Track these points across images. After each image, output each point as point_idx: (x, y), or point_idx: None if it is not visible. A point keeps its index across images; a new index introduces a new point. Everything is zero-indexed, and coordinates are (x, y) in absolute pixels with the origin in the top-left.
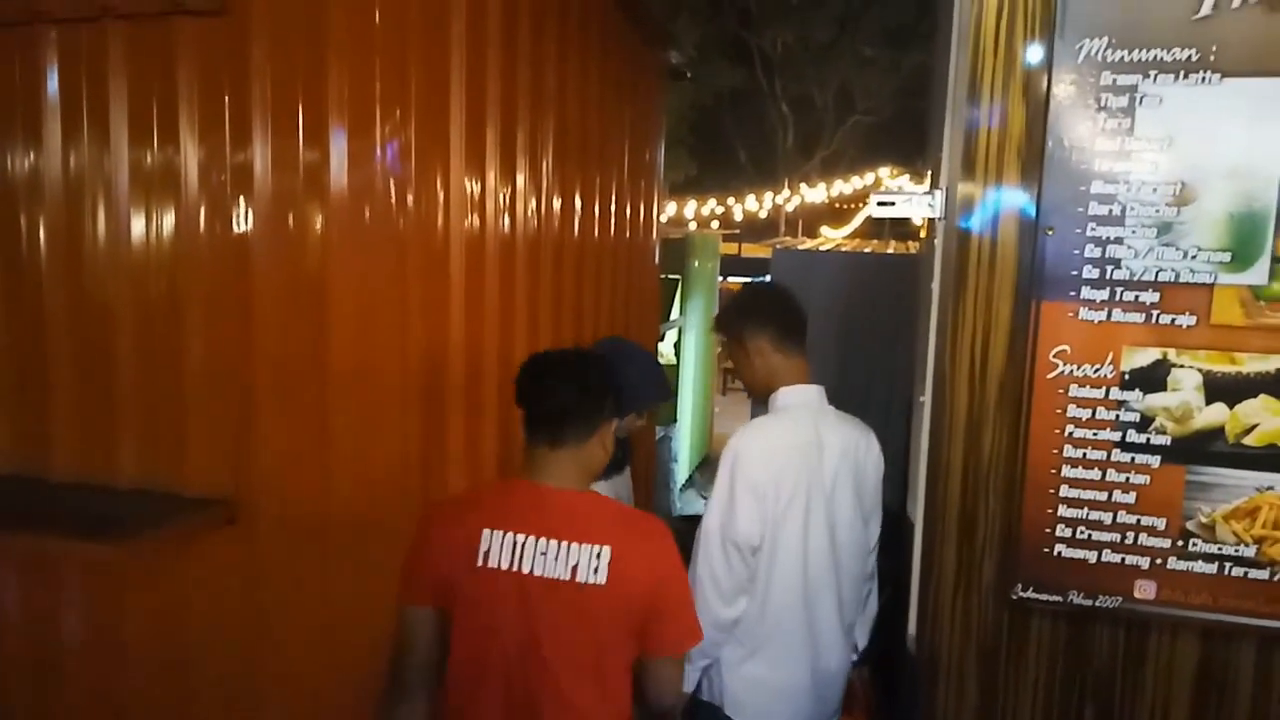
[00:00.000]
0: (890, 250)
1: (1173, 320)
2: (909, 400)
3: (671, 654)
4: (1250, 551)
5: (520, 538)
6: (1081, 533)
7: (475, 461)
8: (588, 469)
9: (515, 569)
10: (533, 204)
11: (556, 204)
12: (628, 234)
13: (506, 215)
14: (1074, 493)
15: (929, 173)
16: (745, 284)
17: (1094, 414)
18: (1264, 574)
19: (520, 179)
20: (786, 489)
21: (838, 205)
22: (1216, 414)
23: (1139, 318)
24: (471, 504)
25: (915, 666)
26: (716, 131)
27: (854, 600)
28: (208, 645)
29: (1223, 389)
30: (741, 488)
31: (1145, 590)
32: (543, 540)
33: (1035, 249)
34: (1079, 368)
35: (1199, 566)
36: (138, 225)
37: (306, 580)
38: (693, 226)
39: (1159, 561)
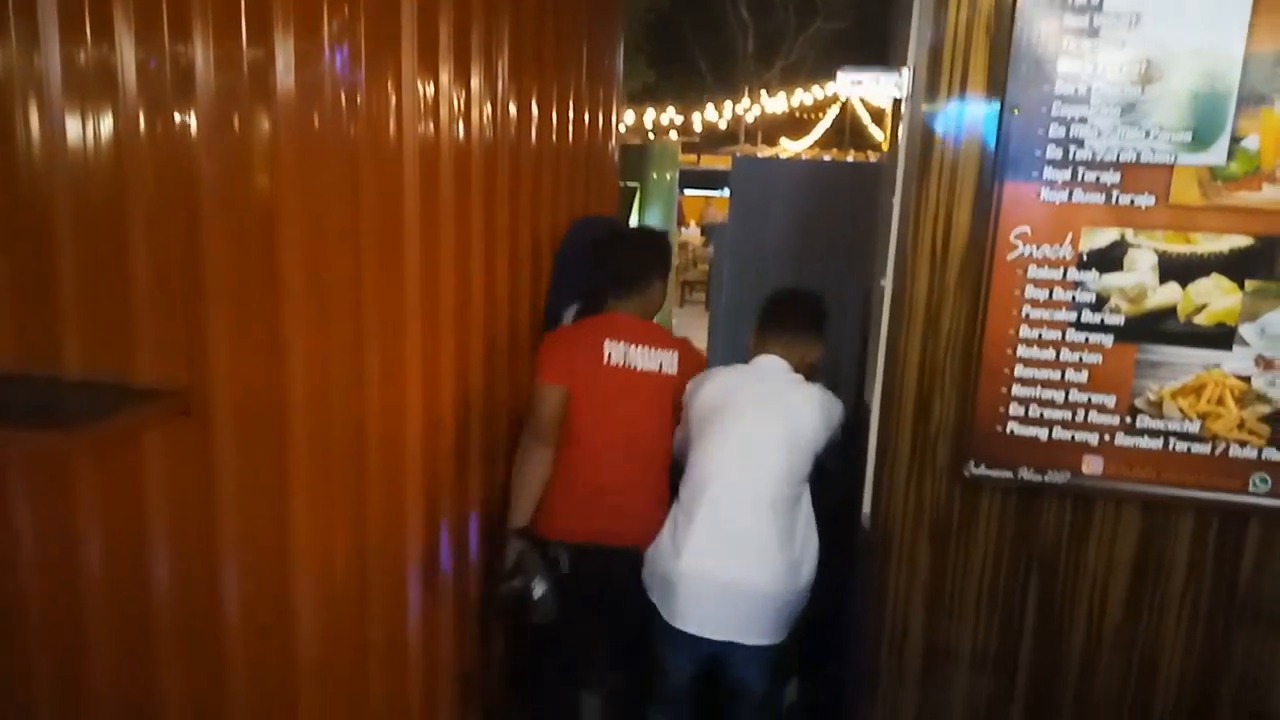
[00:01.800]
0: (850, 159)
1: (1132, 201)
2: (867, 300)
3: None
4: (1194, 427)
5: (627, 345)
6: (1034, 411)
7: (432, 357)
8: (647, 310)
9: (626, 365)
10: (488, 110)
11: (513, 110)
12: (586, 141)
13: (461, 121)
14: (1028, 372)
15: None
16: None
17: (1051, 294)
18: (1205, 448)
19: (475, 83)
20: (709, 408)
21: (798, 115)
22: (1169, 294)
23: (1099, 198)
24: (591, 326)
25: (868, 546)
26: (675, 38)
27: (771, 521)
28: (164, 541)
29: (1177, 269)
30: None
31: (1093, 465)
32: (639, 346)
33: (1000, 129)
34: (1039, 248)
35: (1145, 442)
36: (73, 127)
37: (264, 472)
38: (651, 136)
39: (1107, 438)
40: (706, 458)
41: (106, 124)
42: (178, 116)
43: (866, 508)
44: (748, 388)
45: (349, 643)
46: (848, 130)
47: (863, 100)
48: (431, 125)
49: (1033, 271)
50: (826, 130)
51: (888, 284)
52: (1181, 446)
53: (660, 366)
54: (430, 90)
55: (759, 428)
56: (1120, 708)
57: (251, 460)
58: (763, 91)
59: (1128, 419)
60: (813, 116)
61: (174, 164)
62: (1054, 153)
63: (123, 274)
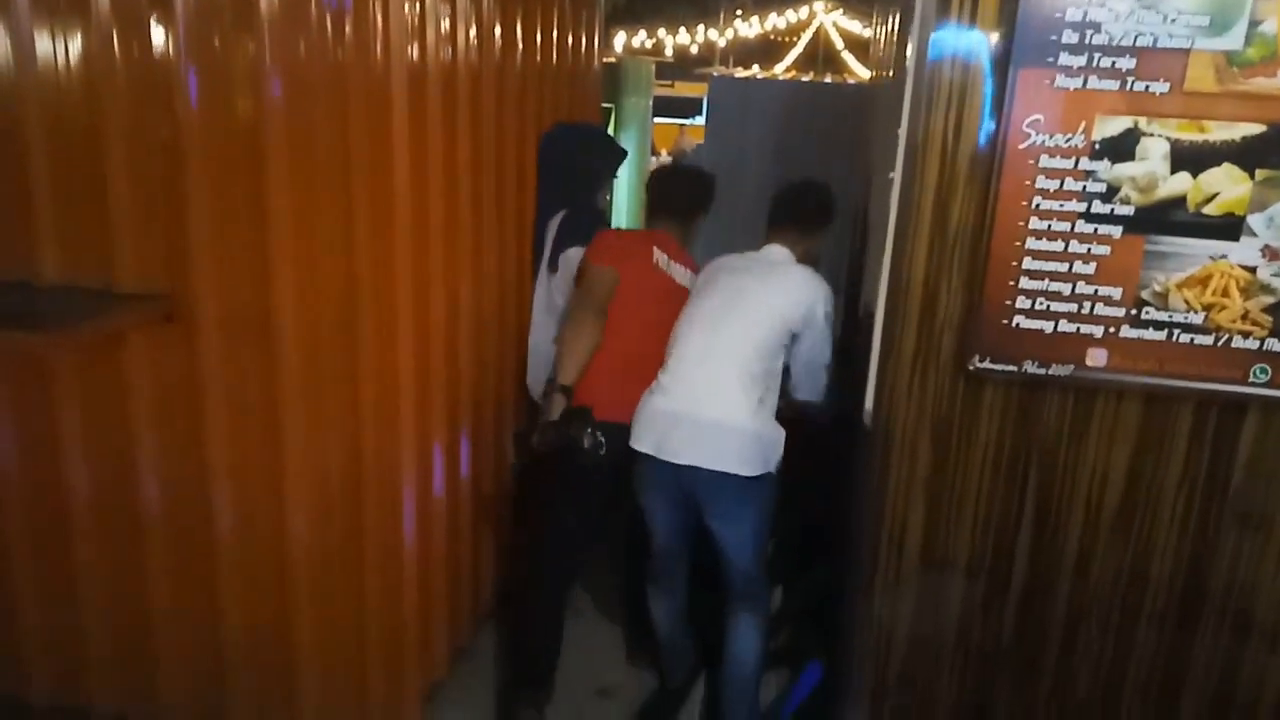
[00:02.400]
0: (829, 81)
1: (1146, 87)
2: (858, 218)
3: None
4: (1198, 319)
5: (669, 259)
6: (1040, 304)
7: (422, 266)
8: (687, 234)
9: (668, 272)
10: (473, 31)
11: (498, 31)
12: (570, 62)
13: (448, 44)
14: (1036, 264)
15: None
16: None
17: (1062, 184)
18: (1208, 339)
19: (460, 3)
20: (704, 280)
21: (773, 38)
22: (1180, 183)
23: (1114, 85)
24: (644, 233)
25: (869, 440)
26: None
27: (736, 381)
28: (150, 448)
29: (1188, 158)
30: None
31: (1097, 358)
32: (676, 264)
33: (1016, 11)
34: (1051, 137)
35: (1149, 334)
36: (44, 43)
37: (252, 378)
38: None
39: (1112, 330)
40: (686, 316)
41: (77, 42)
42: (156, 36)
43: (868, 404)
44: (741, 266)
45: (343, 550)
46: (820, 57)
47: (836, 26)
48: (418, 47)
49: (1044, 161)
50: (799, 57)
51: (896, 175)
52: (1185, 338)
53: (681, 276)
54: (416, 13)
55: (738, 296)
56: (1112, 601)
57: (239, 365)
58: (737, 14)
59: (1133, 311)
60: (787, 41)
61: (150, 82)
62: (1070, 37)
63: (99, 183)
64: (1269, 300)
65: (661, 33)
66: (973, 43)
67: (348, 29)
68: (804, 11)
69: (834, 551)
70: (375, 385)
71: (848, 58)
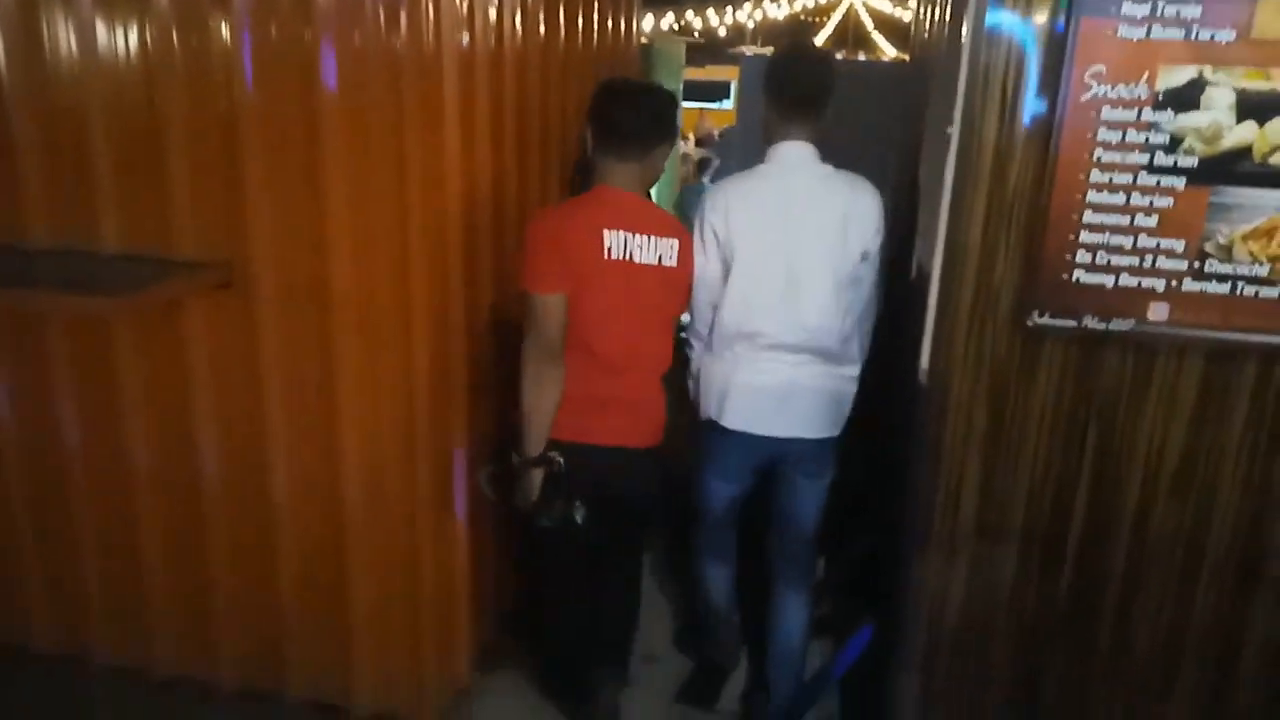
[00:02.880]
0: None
1: (1212, 36)
2: (909, 187)
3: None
4: (1264, 270)
5: (627, 235)
6: (1101, 258)
7: (472, 248)
8: (645, 181)
9: (627, 258)
10: (519, 18)
11: (541, 18)
12: (610, 45)
13: (494, 31)
14: (1097, 218)
15: None
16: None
17: (1124, 137)
18: (1274, 292)
19: None
20: (743, 233)
21: (802, 18)
22: (1246, 133)
23: (1179, 34)
24: (582, 211)
25: (925, 399)
26: None
27: (827, 328)
28: (209, 413)
29: (1255, 107)
30: (706, 239)
31: (1158, 312)
32: (639, 235)
33: None
34: (1113, 88)
35: (1212, 287)
36: (106, 31)
37: (307, 345)
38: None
39: (1174, 284)
40: (750, 275)
41: (140, 29)
42: (216, 24)
43: (924, 361)
44: (789, 199)
45: (397, 514)
46: (850, 38)
47: (866, 5)
48: (467, 34)
49: (1106, 113)
50: (830, 37)
51: (955, 130)
52: (1249, 291)
53: (660, 259)
54: (465, 3)
55: (806, 231)
56: (1172, 560)
57: (296, 333)
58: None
59: (1196, 264)
60: (816, 21)
61: (207, 66)
62: None
63: (159, 157)
64: None
65: (690, 15)
66: None
67: (402, 18)
68: None
69: (879, 520)
70: (429, 344)
71: (878, 38)
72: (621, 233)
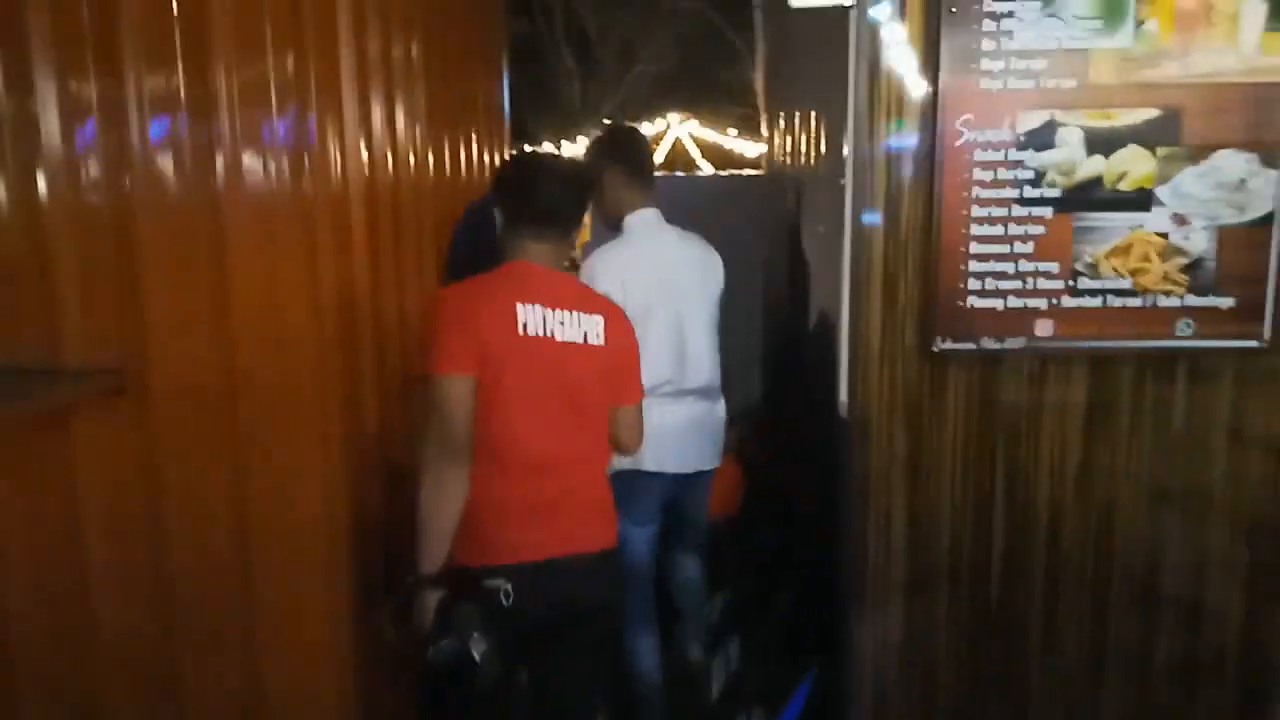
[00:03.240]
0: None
1: (1058, 84)
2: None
3: (635, 402)
4: (1126, 283)
5: (545, 310)
6: (989, 283)
7: (391, 324)
8: (562, 257)
9: (548, 334)
10: (411, 154)
11: (411, 159)
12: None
13: (379, 163)
14: (981, 248)
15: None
16: (604, 129)
17: (995, 174)
18: (1138, 301)
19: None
20: (637, 296)
21: None
22: (1095, 165)
23: (1030, 84)
24: (493, 284)
25: (846, 429)
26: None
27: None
28: (106, 537)
29: (1100, 142)
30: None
31: (1044, 328)
32: (560, 311)
33: (939, 29)
34: (982, 133)
35: (1087, 301)
36: None
37: (214, 454)
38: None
39: (1054, 301)
40: (653, 316)
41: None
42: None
43: (843, 395)
44: (664, 257)
45: (310, 636)
46: (679, 163)
47: (692, 135)
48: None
49: (978, 155)
50: (661, 163)
51: (848, 183)
52: (1117, 302)
53: (585, 336)
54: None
55: (688, 277)
56: (1085, 548)
57: (198, 438)
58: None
59: (1070, 282)
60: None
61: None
62: (988, 45)
63: (47, 269)
64: (1183, 261)
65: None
66: (905, 56)
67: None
68: (660, 123)
69: (797, 574)
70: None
71: (703, 164)
72: (538, 307)
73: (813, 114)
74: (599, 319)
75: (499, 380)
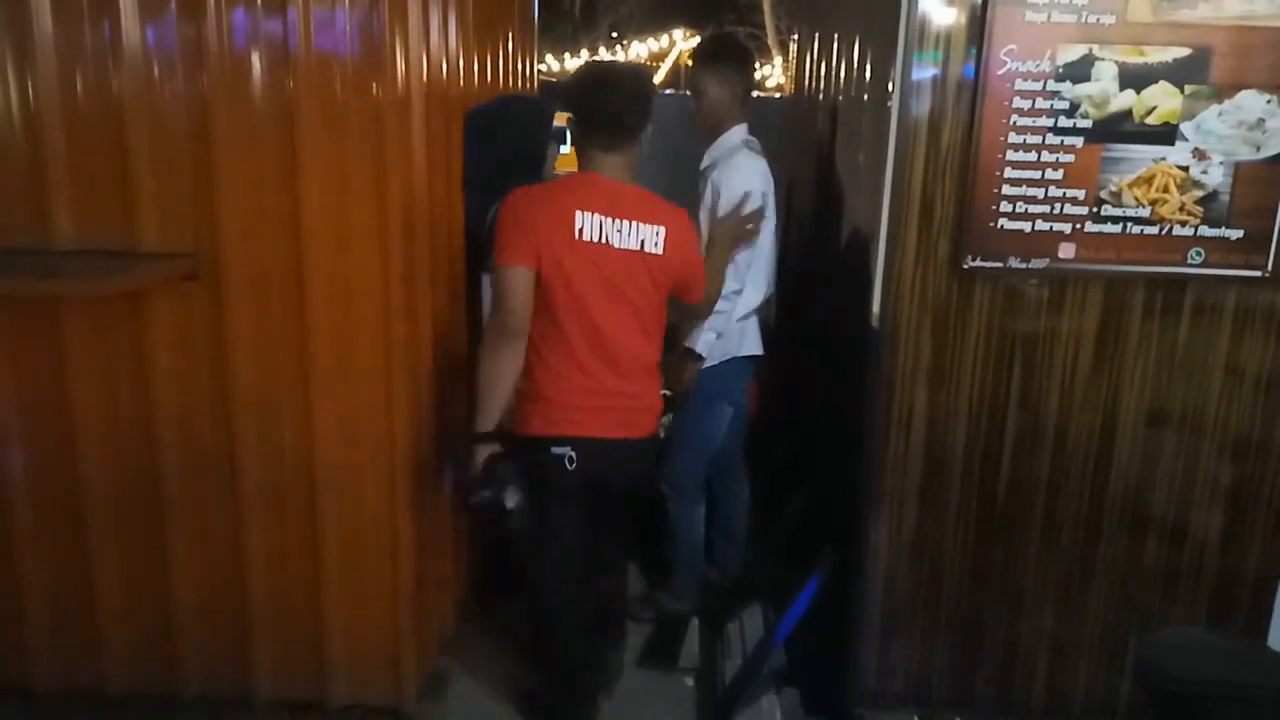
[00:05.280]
0: None
1: (1098, 19)
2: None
3: (701, 300)
4: (1145, 212)
5: (603, 218)
6: (1020, 207)
7: (445, 226)
8: (631, 168)
9: (604, 241)
10: (460, 62)
11: (460, 64)
12: (517, 83)
13: (440, 68)
14: (1015, 174)
15: None
16: (722, 34)
17: (1033, 104)
18: (1154, 230)
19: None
20: (769, 205)
21: (647, 61)
22: (1126, 99)
23: (1072, 18)
24: (560, 191)
25: (877, 339)
26: None
27: None
28: (174, 409)
29: (1133, 77)
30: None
31: (1066, 251)
32: (619, 220)
33: None
34: (1023, 64)
35: (1108, 228)
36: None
37: (278, 338)
38: None
39: (1079, 227)
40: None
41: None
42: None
43: (875, 307)
44: (747, 165)
45: (375, 508)
46: (682, 79)
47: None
48: (427, 67)
49: (1018, 84)
50: (664, 79)
51: (894, 106)
52: (1135, 229)
53: (643, 244)
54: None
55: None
56: (1086, 460)
57: (266, 324)
58: (613, 36)
59: (1094, 209)
60: (653, 65)
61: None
62: None
63: (121, 151)
64: (1200, 193)
65: (550, 59)
66: None
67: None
68: (664, 39)
69: (814, 480)
70: (401, 338)
71: None
72: (596, 215)
73: (836, 36)
74: (660, 229)
75: (561, 278)
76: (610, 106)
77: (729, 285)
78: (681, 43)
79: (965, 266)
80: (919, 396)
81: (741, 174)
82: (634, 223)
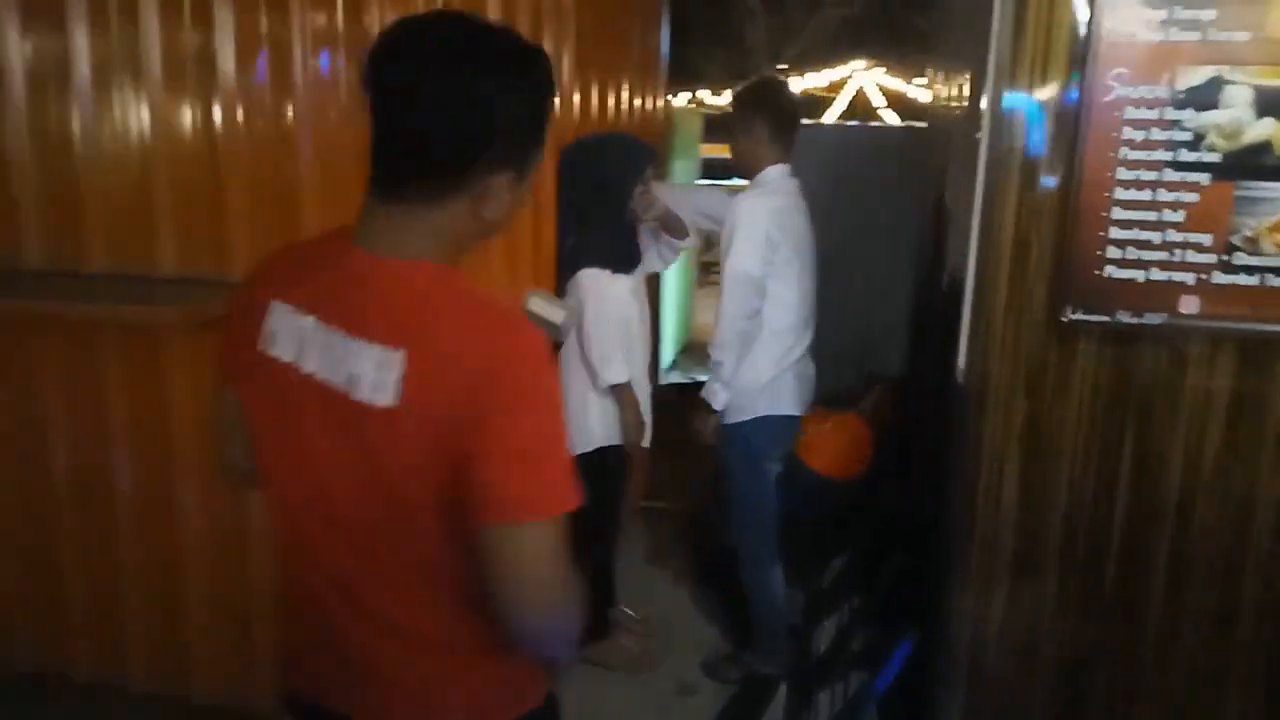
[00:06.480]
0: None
1: (1229, 37)
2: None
3: (511, 519)
4: None
5: (302, 320)
6: (1131, 253)
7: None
8: (448, 237)
9: (297, 363)
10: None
11: (575, 97)
12: (638, 120)
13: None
14: (1125, 214)
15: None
16: (755, 81)
17: (1148, 134)
18: None
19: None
20: (783, 249)
21: (812, 93)
22: (1265, 128)
23: (1196, 36)
24: (283, 256)
25: (963, 397)
26: (683, 26)
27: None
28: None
29: (1273, 103)
30: (755, 236)
31: (1189, 305)
32: (328, 327)
33: None
34: (1136, 89)
35: (1241, 279)
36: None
37: None
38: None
39: (1204, 277)
40: (784, 276)
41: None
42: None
43: (961, 362)
44: (800, 218)
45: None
46: (860, 113)
47: (876, 84)
48: None
49: (1129, 112)
50: (841, 113)
51: (984, 136)
52: (1276, 282)
53: (352, 382)
54: None
55: (806, 242)
56: (1216, 550)
57: None
58: (781, 68)
59: (1224, 257)
60: (827, 97)
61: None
62: None
63: (217, 199)
64: None
65: (705, 94)
66: (1054, 3)
67: None
68: (843, 70)
69: (912, 538)
70: None
71: (886, 114)
72: (292, 311)
73: (951, 64)
74: (394, 356)
75: (253, 423)
76: (403, 113)
77: (722, 333)
78: (861, 73)
79: (1065, 319)
80: (1011, 463)
81: (740, 215)
82: (348, 336)
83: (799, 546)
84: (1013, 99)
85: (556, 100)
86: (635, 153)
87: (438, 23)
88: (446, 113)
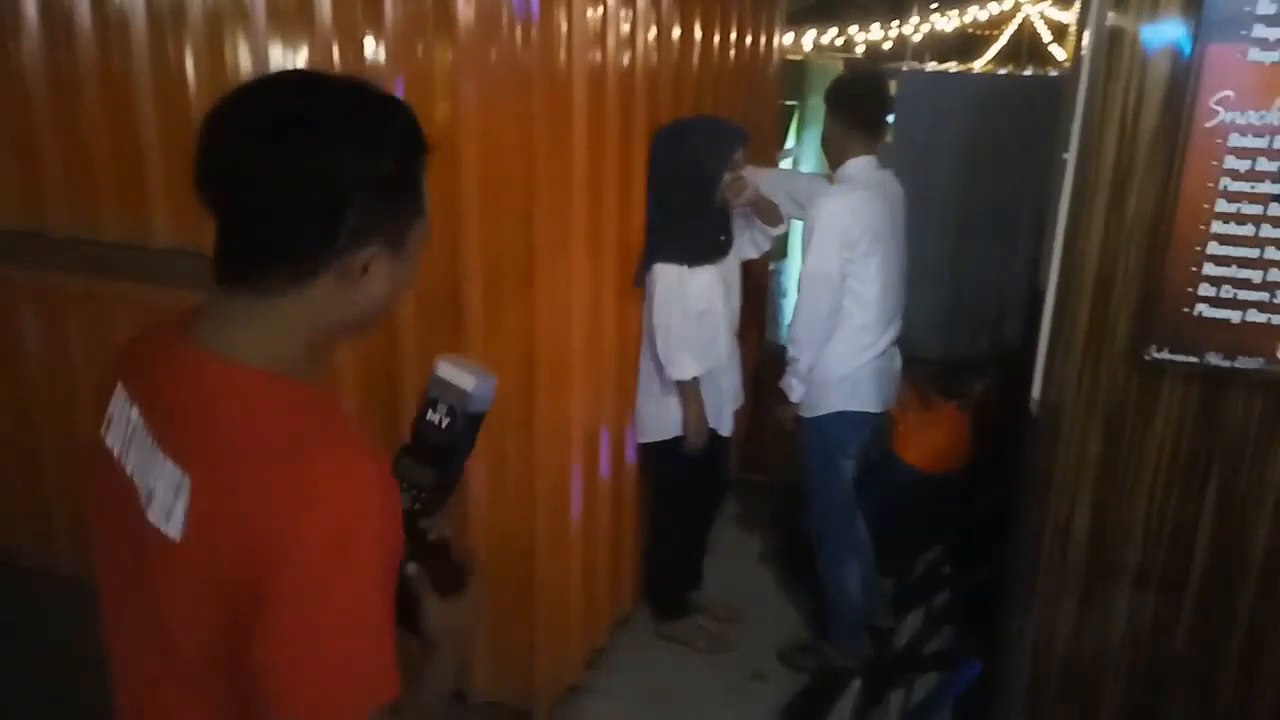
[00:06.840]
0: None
1: None
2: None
3: (289, 713)
4: None
5: (133, 411)
6: (1227, 291)
7: (594, 251)
8: (308, 333)
9: (122, 459)
10: (653, 34)
11: (675, 34)
12: (747, 61)
13: (627, 48)
14: (1223, 250)
15: None
16: (845, 76)
17: (1253, 165)
18: None
19: (640, 7)
20: (860, 245)
21: (971, 30)
22: None
23: None
24: (147, 330)
25: (1036, 430)
26: None
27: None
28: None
29: None
30: (833, 236)
31: None
32: (145, 427)
33: None
34: (1242, 114)
35: None
36: (275, 54)
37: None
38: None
39: None
40: (868, 267)
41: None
42: (364, 46)
43: (1036, 392)
44: (881, 211)
45: (515, 519)
46: (1025, 49)
47: (1044, 16)
48: (599, 51)
49: (1234, 140)
50: (1002, 49)
51: (1071, 156)
52: None
53: (149, 501)
54: (598, 18)
55: (893, 234)
56: None
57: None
58: (933, 6)
59: None
60: (987, 34)
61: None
62: (1266, 7)
63: None
64: None
65: (854, 30)
66: (1157, 15)
67: (534, 35)
68: (1008, 2)
69: (999, 551)
70: (549, 345)
71: (1055, 50)
72: (126, 399)
73: None
74: (182, 481)
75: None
76: (233, 195)
77: (798, 330)
78: (1029, 5)
79: (1149, 357)
80: (1082, 504)
81: (821, 216)
82: (153, 444)
83: (892, 537)
84: (1103, 121)
85: (656, 38)
86: (722, 137)
87: (268, 87)
88: (283, 191)
